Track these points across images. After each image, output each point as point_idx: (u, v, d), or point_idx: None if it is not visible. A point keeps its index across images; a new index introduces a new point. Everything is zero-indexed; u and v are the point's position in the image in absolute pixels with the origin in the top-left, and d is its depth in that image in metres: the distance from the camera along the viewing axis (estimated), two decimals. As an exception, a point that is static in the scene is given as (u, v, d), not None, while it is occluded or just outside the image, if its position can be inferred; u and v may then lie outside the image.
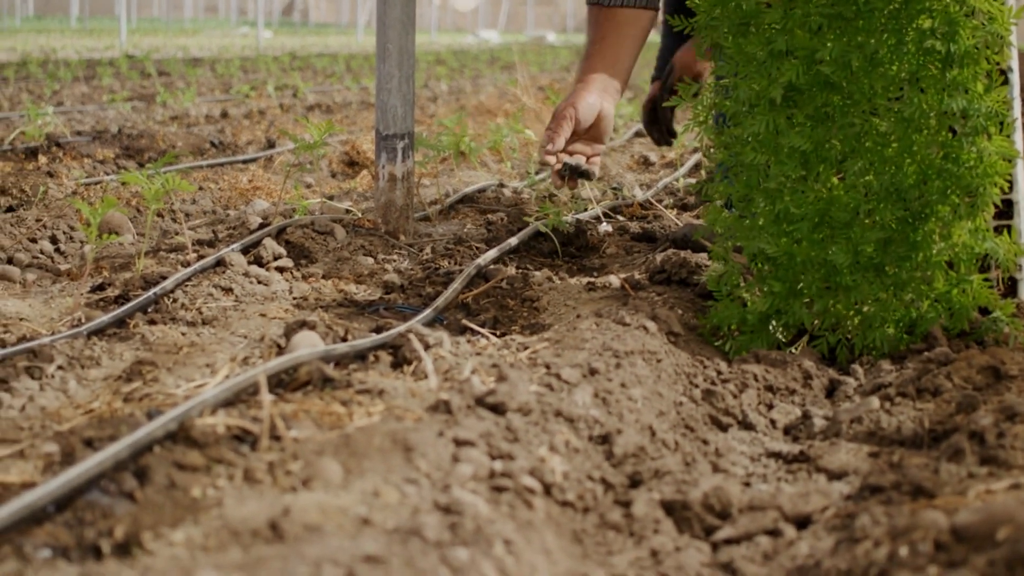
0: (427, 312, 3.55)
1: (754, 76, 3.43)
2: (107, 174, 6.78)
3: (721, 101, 3.53)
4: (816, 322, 3.48)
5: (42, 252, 4.84)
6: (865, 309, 3.43)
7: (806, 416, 3.02)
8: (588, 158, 4.17)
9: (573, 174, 4.10)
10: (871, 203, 3.40)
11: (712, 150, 3.60)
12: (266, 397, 2.37)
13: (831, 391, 3.23)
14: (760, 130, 3.42)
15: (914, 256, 3.40)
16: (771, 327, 3.50)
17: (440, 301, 3.66)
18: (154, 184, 3.79)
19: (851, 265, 3.40)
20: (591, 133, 4.14)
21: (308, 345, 3.09)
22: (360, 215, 5.04)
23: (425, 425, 2.38)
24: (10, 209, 5.48)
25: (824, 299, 3.44)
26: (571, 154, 4.12)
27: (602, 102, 4.11)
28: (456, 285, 3.84)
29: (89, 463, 2.13)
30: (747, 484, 2.62)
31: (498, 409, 2.49)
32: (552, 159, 4.05)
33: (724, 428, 2.97)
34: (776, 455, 2.80)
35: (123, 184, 5.95)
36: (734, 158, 3.50)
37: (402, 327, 3.27)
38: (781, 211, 3.43)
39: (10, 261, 4.65)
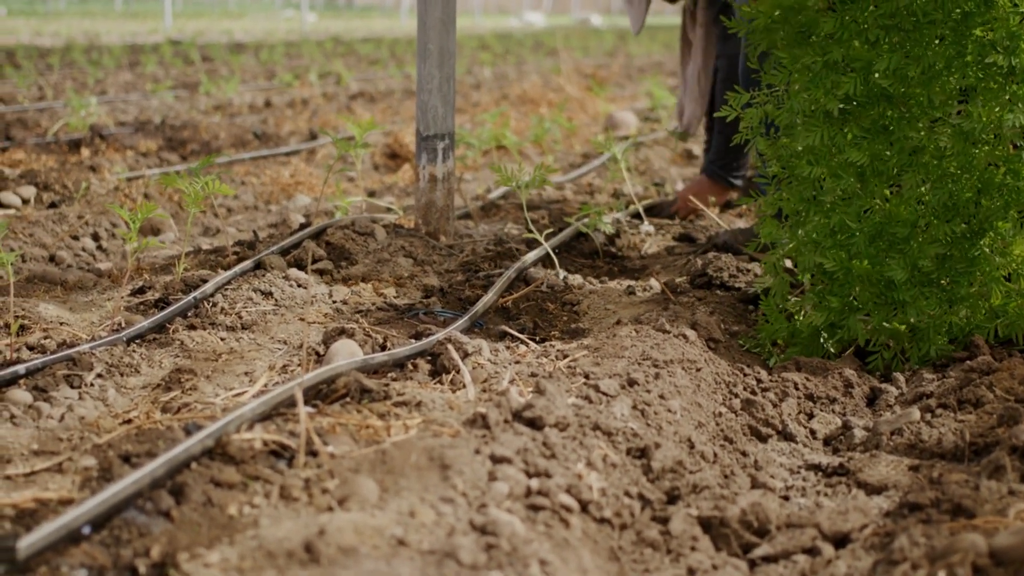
0: (466, 318, 3.54)
1: (809, 86, 3.38)
2: (149, 168, 6.80)
3: (773, 110, 3.47)
4: (869, 336, 3.43)
5: (84, 250, 4.86)
6: (920, 322, 3.39)
7: (846, 427, 3.00)
8: None
9: None
10: (927, 217, 3.35)
11: (766, 161, 3.53)
12: (303, 413, 2.37)
13: (872, 400, 3.21)
14: (815, 143, 3.37)
15: (972, 271, 3.36)
16: (822, 341, 3.46)
17: (479, 306, 3.65)
18: (194, 188, 3.78)
19: (908, 280, 3.35)
20: None
21: (347, 354, 3.09)
22: (401, 214, 5.03)
23: (462, 441, 2.37)
24: (52, 205, 5.50)
25: (879, 313, 3.40)
26: None
27: None
28: (495, 290, 3.83)
29: (126, 482, 2.13)
30: (786, 498, 2.61)
31: (535, 424, 2.48)
32: None
33: (764, 439, 2.95)
34: (816, 467, 2.78)
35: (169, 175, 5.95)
36: (788, 171, 3.45)
37: (440, 334, 3.26)
38: (836, 225, 3.38)
39: (52, 259, 4.67)
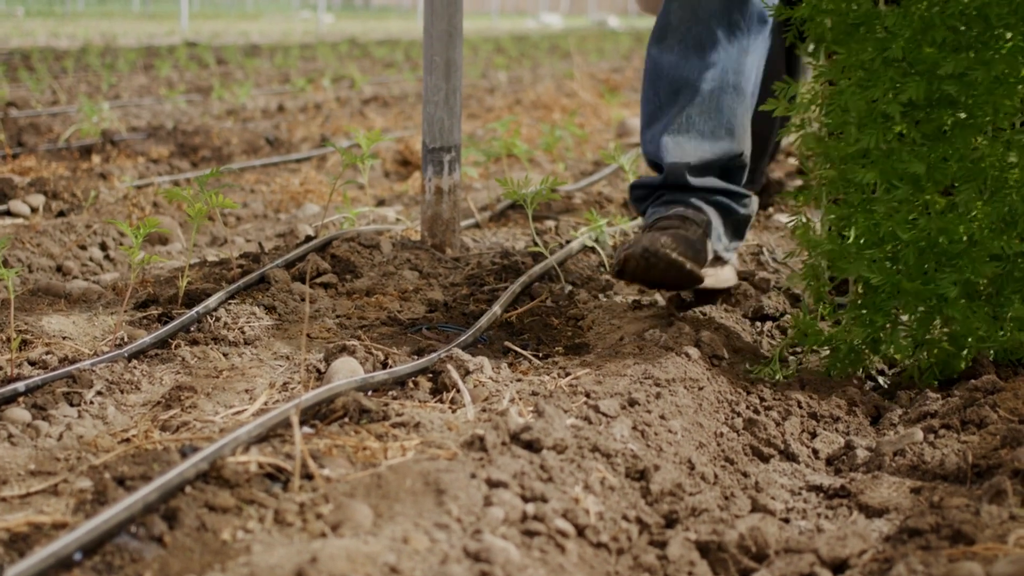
0: (469, 334, 3.53)
1: (865, 85, 3.22)
2: (160, 175, 6.81)
3: (824, 107, 3.31)
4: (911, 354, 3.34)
5: (91, 260, 4.87)
6: (968, 340, 3.29)
7: (849, 446, 2.99)
8: None
9: None
10: (981, 231, 3.22)
11: (812, 162, 3.37)
12: (298, 436, 2.36)
13: (876, 419, 3.19)
14: (870, 146, 3.22)
15: None
16: (863, 358, 3.37)
17: (483, 321, 3.64)
18: (197, 203, 3.78)
19: (959, 297, 3.24)
20: None
21: (347, 372, 3.08)
22: (409, 224, 5.02)
23: (458, 464, 2.36)
24: (61, 214, 5.50)
25: (922, 329, 3.29)
26: None
27: None
28: (500, 304, 3.81)
29: (118, 507, 2.12)
30: (786, 520, 2.59)
31: (533, 446, 2.47)
32: None
33: (765, 459, 2.94)
34: (817, 489, 2.76)
35: (175, 185, 5.95)
36: (839, 174, 3.30)
37: (442, 351, 3.25)
38: (885, 235, 3.24)
39: (59, 269, 4.67)
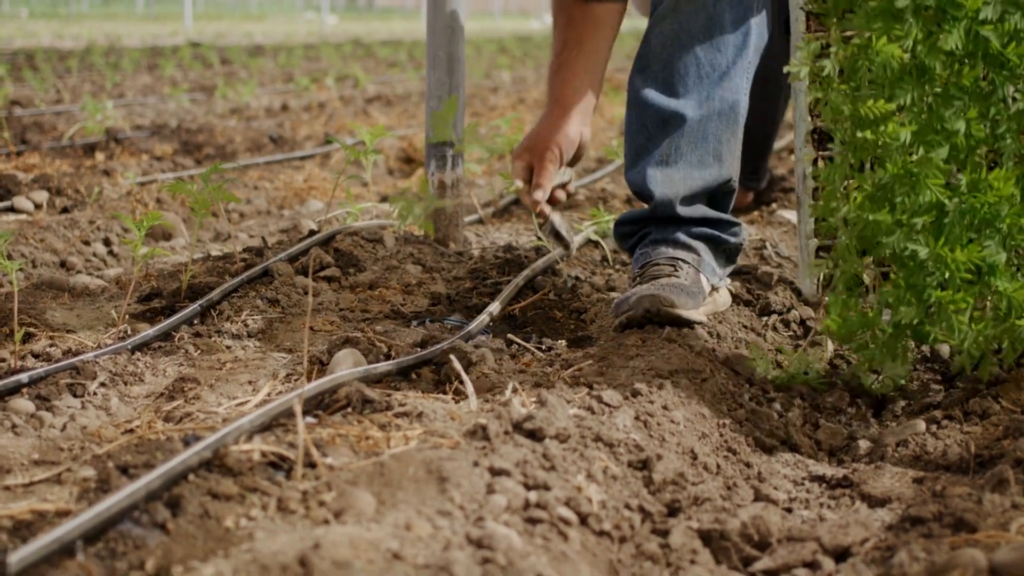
0: (472, 326, 3.53)
1: (895, 31, 2.93)
2: (163, 172, 6.82)
3: (852, 58, 3.01)
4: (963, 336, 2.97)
5: (95, 255, 4.88)
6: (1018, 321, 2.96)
7: (851, 437, 2.99)
8: (564, 186, 3.76)
9: (554, 237, 3.72)
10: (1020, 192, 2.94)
11: (838, 123, 3.06)
12: (301, 425, 2.36)
13: (878, 410, 3.19)
14: (907, 102, 2.94)
15: None
16: (903, 341, 3.05)
17: (486, 314, 3.64)
18: (201, 196, 3.79)
19: (1007, 267, 2.94)
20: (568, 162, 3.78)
21: (350, 363, 3.08)
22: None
23: (461, 453, 2.36)
24: (65, 210, 5.51)
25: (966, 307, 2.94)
26: (553, 194, 3.72)
27: (582, 128, 3.74)
28: (503, 298, 3.82)
29: (122, 494, 2.12)
30: (788, 510, 2.60)
31: (535, 435, 2.47)
32: (548, 209, 3.69)
33: (768, 450, 2.94)
34: (819, 479, 2.77)
35: (178, 181, 5.97)
36: (874, 136, 2.97)
37: (445, 343, 3.25)
38: (926, 203, 2.94)
39: (63, 264, 4.68)
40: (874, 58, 2.97)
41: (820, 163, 3.75)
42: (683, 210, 3.71)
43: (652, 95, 3.72)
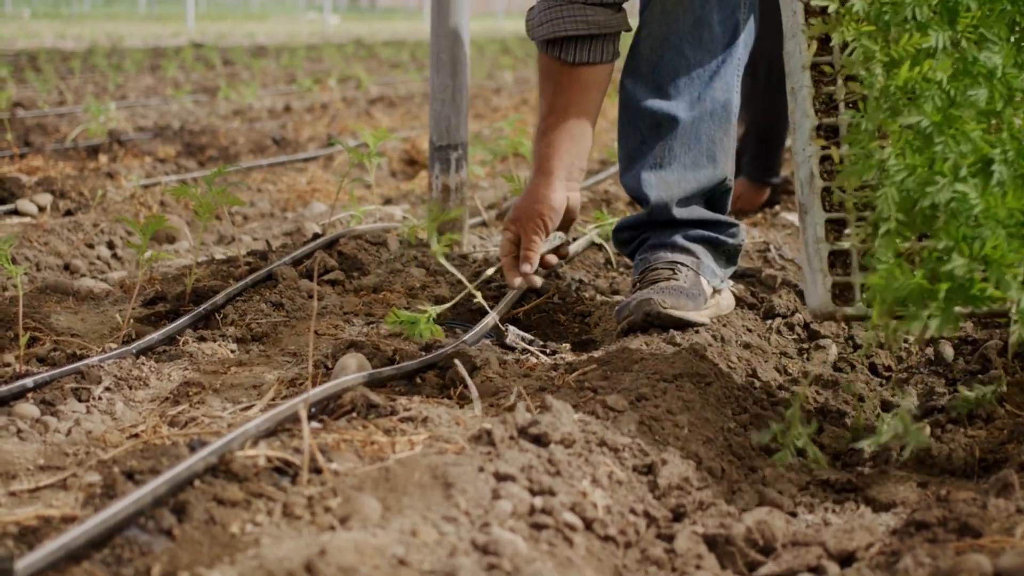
0: (476, 330, 3.53)
1: None
2: (167, 174, 6.82)
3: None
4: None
5: (99, 258, 4.88)
6: None
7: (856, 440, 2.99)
8: (557, 250, 3.75)
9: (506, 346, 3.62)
10: None
11: (869, 57, 2.84)
12: (306, 430, 2.36)
13: (883, 413, 3.19)
14: (939, 45, 2.74)
15: None
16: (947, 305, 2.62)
17: (490, 318, 3.64)
18: (205, 200, 3.79)
19: None
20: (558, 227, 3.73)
21: (355, 367, 3.08)
22: (416, 222, 5.03)
23: (466, 458, 2.36)
24: (68, 213, 5.52)
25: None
26: (544, 259, 3.69)
27: (568, 194, 3.68)
28: (507, 301, 3.81)
29: (127, 500, 2.13)
30: (793, 515, 2.60)
31: (540, 440, 2.47)
32: (538, 281, 3.65)
33: (772, 454, 2.93)
34: (824, 483, 2.76)
35: (182, 184, 5.97)
36: (906, 80, 2.73)
37: (449, 347, 3.25)
38: (968, 150, 2.64)
39: (67, 268, 4.69)
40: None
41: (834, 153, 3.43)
42: (679, 212, 3.72)
43: (643, 98, 3.72)
